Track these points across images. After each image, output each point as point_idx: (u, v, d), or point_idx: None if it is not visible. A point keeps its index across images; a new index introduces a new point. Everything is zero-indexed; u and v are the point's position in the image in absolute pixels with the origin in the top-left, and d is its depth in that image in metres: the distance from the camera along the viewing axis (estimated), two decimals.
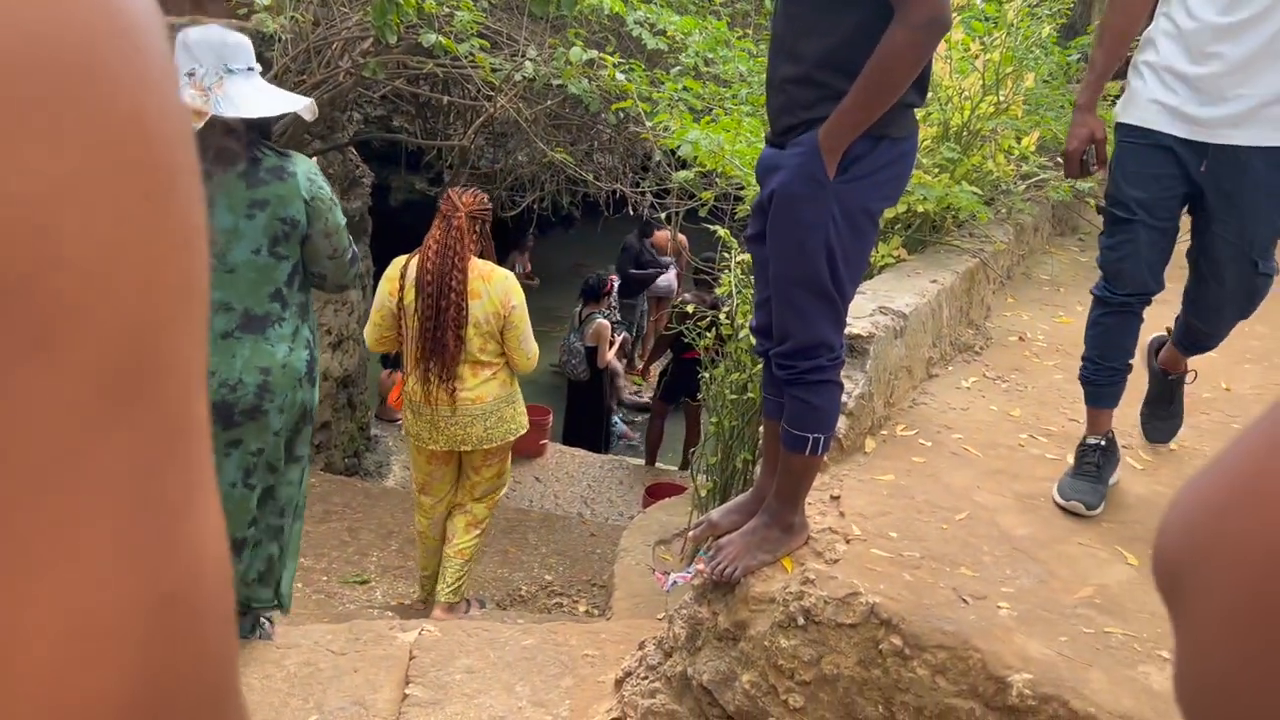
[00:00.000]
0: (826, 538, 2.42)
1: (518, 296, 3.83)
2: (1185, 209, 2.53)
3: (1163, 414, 3.02)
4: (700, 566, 2.39)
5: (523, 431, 4.05)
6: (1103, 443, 2.72)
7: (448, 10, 4.78)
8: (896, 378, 3.11)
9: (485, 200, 3.89)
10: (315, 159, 5.85)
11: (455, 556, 4.09)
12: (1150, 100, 2.46)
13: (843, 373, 2.81)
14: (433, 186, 10.50)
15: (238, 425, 2.48)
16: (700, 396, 7.39)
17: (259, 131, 2.55)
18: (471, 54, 4.68)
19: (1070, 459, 2.94)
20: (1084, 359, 2.70)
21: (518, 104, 5.08)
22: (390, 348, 4.03)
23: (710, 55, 4.89)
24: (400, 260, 3.91)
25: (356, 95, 5.93)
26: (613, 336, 7.72)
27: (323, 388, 6.20)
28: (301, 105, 2.57)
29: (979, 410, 3.21)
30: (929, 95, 3.91)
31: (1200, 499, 0.36)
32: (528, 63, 4.60)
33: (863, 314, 3.01)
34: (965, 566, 2.33)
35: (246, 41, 2.52)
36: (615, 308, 8.76)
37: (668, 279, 9.78)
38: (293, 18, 4.77)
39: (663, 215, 4.37)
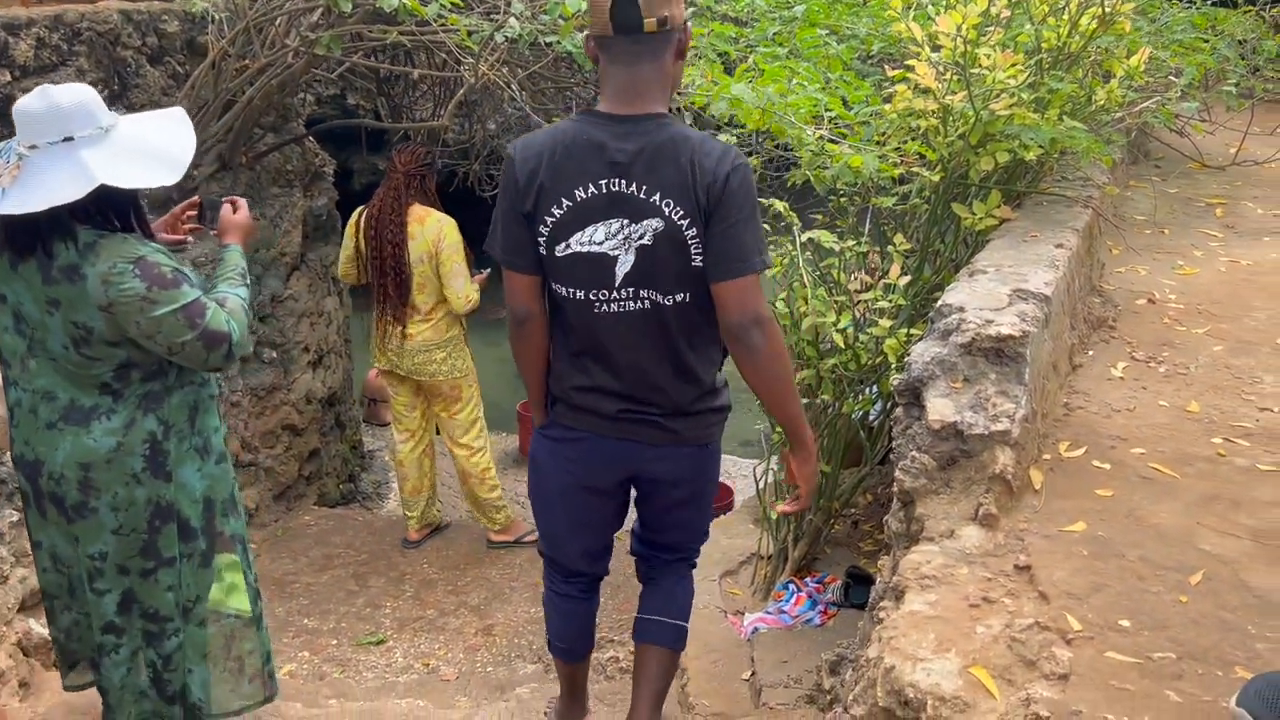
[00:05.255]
0: (1035, 637, 1.75)
1: (450, 237, 4.19)
2: None
3: None
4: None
5: (456, 377, 4.44)
6: None
7: None
8: (1047, 379, 2.44)
9: (423, 156, 4.31)
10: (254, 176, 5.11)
11: (468, 486, 4.72)
12: None
13: (997, 389, 2.14)
14: None
15: (72, 522, 2.22)
16: None
17: (72, 212, 2.04)
18: (442, 16, 3.92)
19: None
20: None
21: (500, 69, 4.33)
22: (358, 280, 4.51)
23: None
24: (360, 209, 4.42)
25: (309, 76, 5.14)
26: None
27: (307, 411, 5.48)
28: (118, 180, 2.02)
29: (1147, 408, 2.55)
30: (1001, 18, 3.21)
31: None
32: (512, 20, 3.85)
33: (1000, 304, 2.32)
34: (1240, 665, 1.68)
35: (70, 105, 2.04)
36: None
37: None
38: None
39: None
